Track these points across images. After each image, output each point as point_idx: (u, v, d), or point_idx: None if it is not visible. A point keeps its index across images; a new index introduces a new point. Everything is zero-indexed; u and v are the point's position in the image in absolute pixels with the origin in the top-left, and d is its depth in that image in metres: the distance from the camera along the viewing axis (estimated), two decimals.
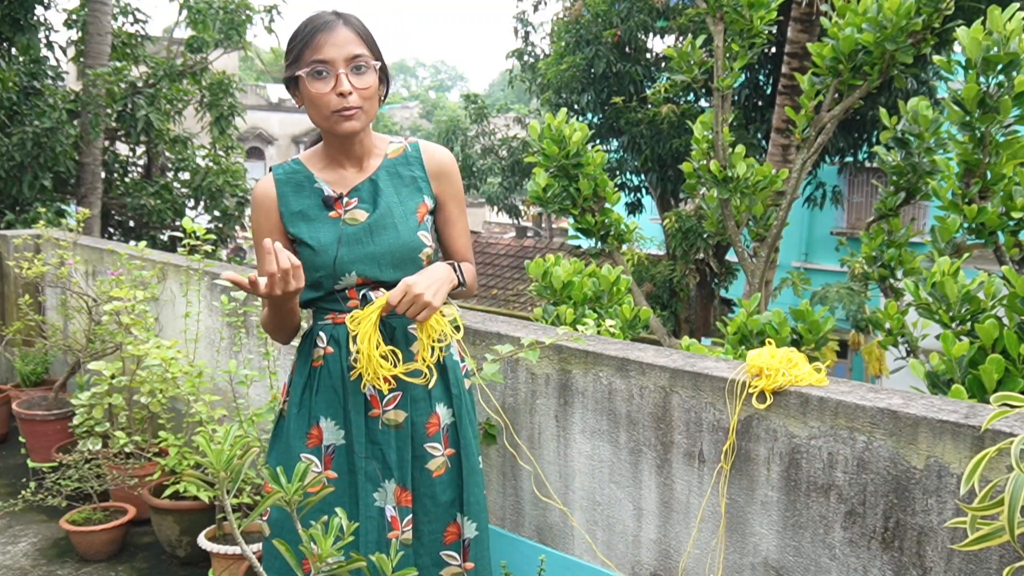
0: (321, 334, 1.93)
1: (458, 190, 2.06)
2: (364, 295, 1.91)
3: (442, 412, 1.97)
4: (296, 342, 2.07)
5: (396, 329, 1.92)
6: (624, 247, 5.04)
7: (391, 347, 1.89)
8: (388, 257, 1.90)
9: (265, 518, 1.93)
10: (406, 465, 1.92)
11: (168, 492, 3.20)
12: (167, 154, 8.68)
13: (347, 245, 1.88)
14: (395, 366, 1.87)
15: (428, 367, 1.91)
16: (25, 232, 5.08)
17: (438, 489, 1.96)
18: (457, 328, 1.97)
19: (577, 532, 2.35)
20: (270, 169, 1.98)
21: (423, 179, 1.99)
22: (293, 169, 1.96)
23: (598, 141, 12.70)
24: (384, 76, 1.91)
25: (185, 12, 8.70)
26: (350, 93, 1.80)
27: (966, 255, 3.37)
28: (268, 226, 1.93)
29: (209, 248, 3.56)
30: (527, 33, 14.89)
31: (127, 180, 8.60)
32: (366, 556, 1.75)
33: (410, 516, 1.94)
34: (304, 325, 2.10)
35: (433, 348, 1.91)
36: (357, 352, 1.85)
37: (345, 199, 1.92)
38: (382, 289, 1.91)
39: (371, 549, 1.86)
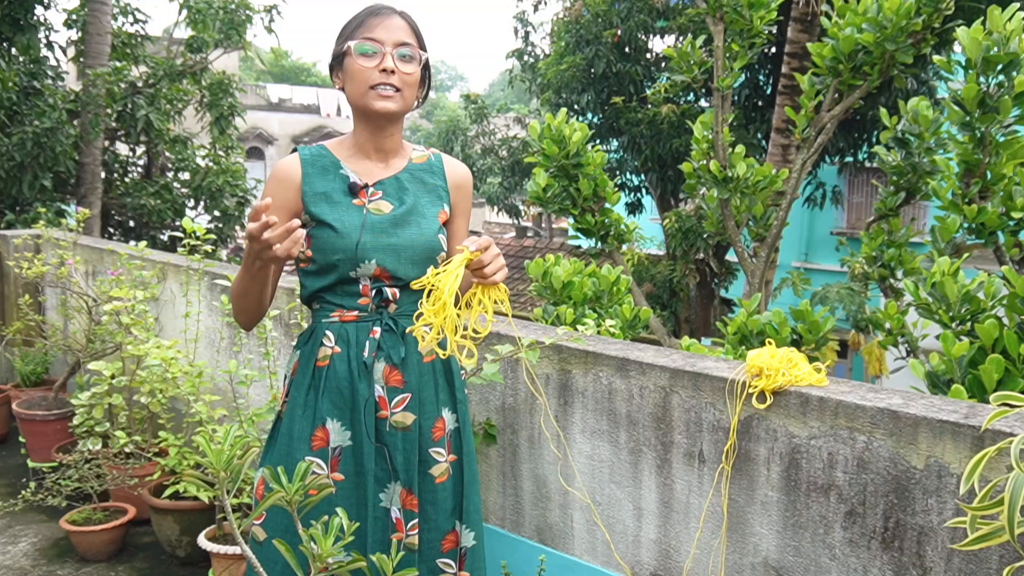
0: (328, 333, 1.90)
1: (469, 208, 2.08)
2: (379, 290, 1.88)
3: (447, 417, 1.96)
4: (294, 341, 2.05)
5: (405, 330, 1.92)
6: (624, 247, 5.04)
7: (397, 362, 1.88)
8: (409, 251, 1.89)
9: (259, 522, 1.90)
10: (412, 469, 1.91)
11: (168, 492, 3.20)
12: (167, 154, 8.67)
13: (370, 232, 1.86)
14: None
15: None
16: (25, 232, 5.08)
17: (440, 496, 1.94)
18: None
19: (577, 532, 2.35)
20: (294, 149, 1.97)
21: (444, 189, 2.00)
22: (319, 153, 1.95)
23: (598, 141, 12.70)
24: (426, 75, 1.94)
25: (185, 12, 8.69)
26: (393, 72, 1.84)
27: (966, 255, 3.37)
28: (281, 201, 1.89)
29: (209, 248, 3.56)
30: (527, 33, 14.89)
31: (127, 180, 8.59)
32: (371, 556, 1.76)
33: (415, 520, 1.92)
34: (293, 321, 2.09)
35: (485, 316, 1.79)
36: (428, 303, 1.73)
37: (370, 189, 1.92)
38: (395, 290, 1.90)
39: (376, 549, 1.85)
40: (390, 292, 1.89)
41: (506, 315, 1.82)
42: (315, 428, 1.88)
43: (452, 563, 1.98)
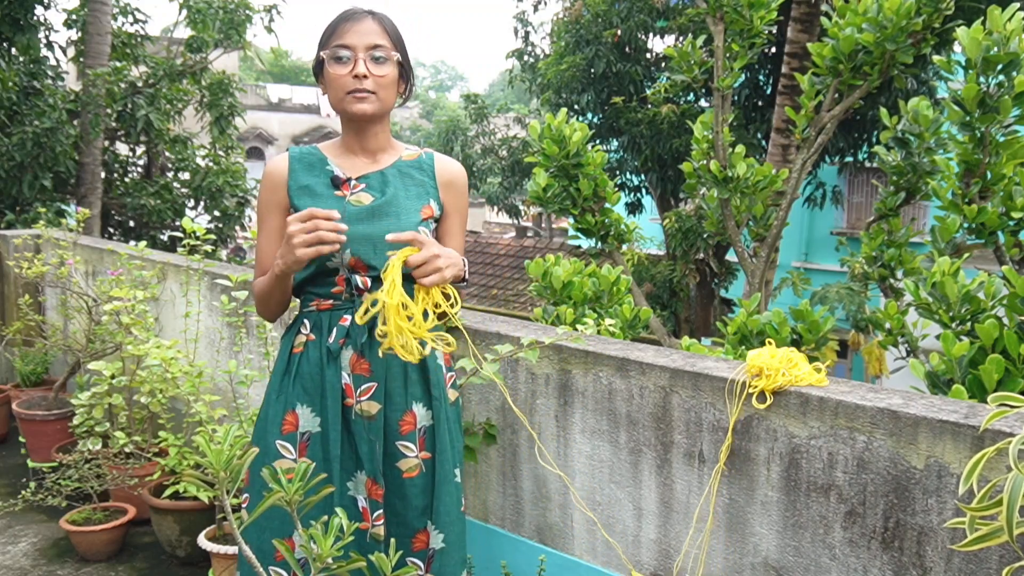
0: (305, 321, 1.96)
1: (463, 206, 2.10)
2: (349, 279, 1.92)
3: (419, 412, 1.97)
4: (281, 331, 2.09)
5: (376, 319, 1.93)
6: (624, 247, 5.04)
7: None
8: (385, 242, 1.91)
9: (245, 505, 1.94)
10: (377, 458, 1.93)
11: (168, 492, 3.20)
12: (167, 154, 8.67)
13: (347, 223, 1.89)
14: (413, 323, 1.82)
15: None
16: (25, 232, 5.08)
17: (409, 491, 1.95)
18: (448, 314, 1.91)
19: (577, 532, 2.35)
20: (287, 149, 2.04)
21: (432, 186, 2.04)
22: (309, 151, 2.02)
23: (598, 141, 12.69)
24: (405, 73, 1.98)
25: (185, 12, 8.69)
26: (365, 77, 1.88)
27: (966, 255, 3.37)
28: (273, 200, 1.98)
29: (209, 248, 3.56)
30: (527, 33, 14.89)
31: (127, 180, 8.59)
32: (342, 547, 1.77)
33: (380, 511, 1.94)
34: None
35: (427, 313, 1.85)
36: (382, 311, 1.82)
37: (353, 182, 1.97)
38: (367, 279, 1.93)
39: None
40: (360, 281, 1.93)
41: (446, 315, 1.89)
42: (286, 412, 1.93)
43: (420, 564, 1.98)
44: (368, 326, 1.92)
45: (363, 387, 1.91)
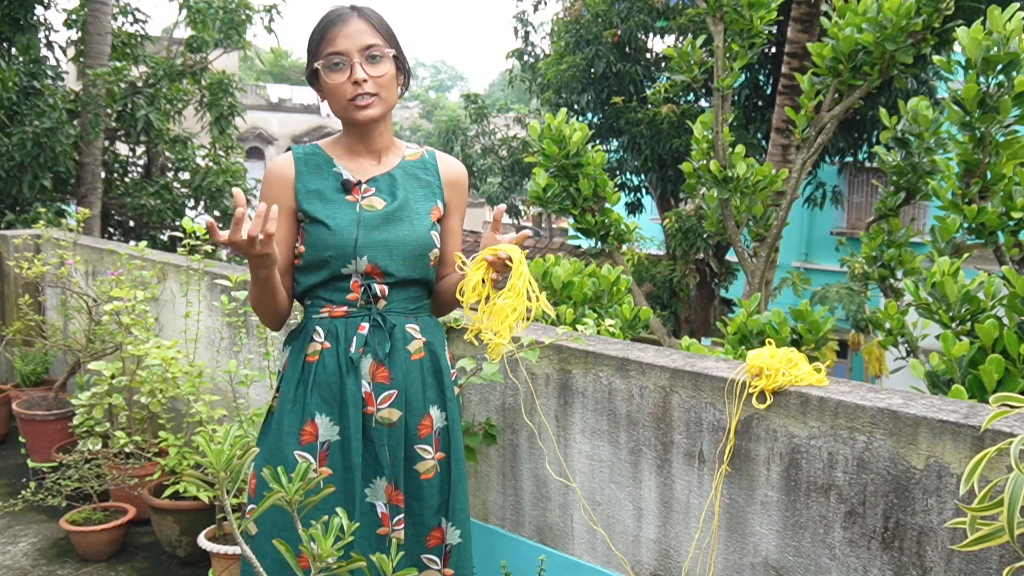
0: (318, 328, 1.91)
1: (464, 204, 2.10)
2: (368, 286, 1.90)
3: (435, 415, 1.97)
4: (284, 335, 2.06)
5: (396, 327, 1.92)
6: (624, 247, 5.04)
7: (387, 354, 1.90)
8: (401, 248, 1.90)
9: (251, 516, 1.91)
10: (398, 464, 1.92)
11: (168, 492, 3.20)
12: (167, 154, 8.67)
13: (363, 228, 1.88)
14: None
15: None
16: (25, 232, 5.08)
17: (426, 492, 1.95)
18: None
19: (577, 532, 2.35)
20: (288, 148, 2.00)
21: (437, 186, 2.02)
22: (312, 151, 1.97)
23: (598, 141, 12.70)
24: (401, 66, 1.93)
25: (185, 12, 8.69)
26: (365, 81, 1.84)
27: (966, 255, 3.37)
28: (276, 200, 1.90)
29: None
30: (527, 33, 14.89)
31: (127, 180, 8.59)
32: (360, 552, 1.76)
33: (401, 516, 1.93)
34: (294, 320, 2.09)
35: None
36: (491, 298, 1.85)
37: (363, 185, 1.93)
38: (384, 287, 1.91)
39: (362, 545, 1.87)
40: (378, 288, 1.90)
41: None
42: (304, 423, 1.90)
43: (437, 559, 1.99)
44: (388, 333, 1.91)
45: (383, 395, 1.90)
